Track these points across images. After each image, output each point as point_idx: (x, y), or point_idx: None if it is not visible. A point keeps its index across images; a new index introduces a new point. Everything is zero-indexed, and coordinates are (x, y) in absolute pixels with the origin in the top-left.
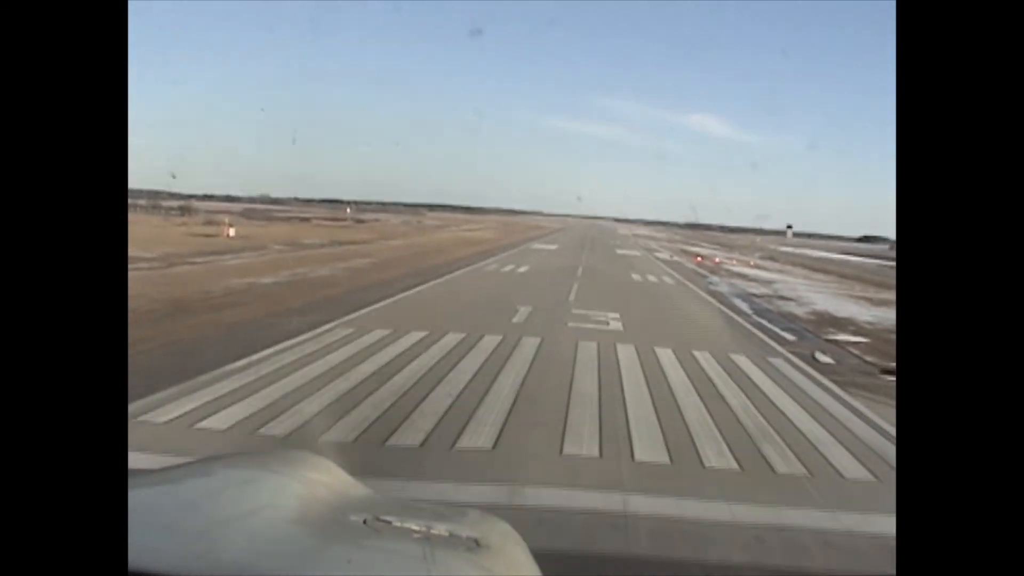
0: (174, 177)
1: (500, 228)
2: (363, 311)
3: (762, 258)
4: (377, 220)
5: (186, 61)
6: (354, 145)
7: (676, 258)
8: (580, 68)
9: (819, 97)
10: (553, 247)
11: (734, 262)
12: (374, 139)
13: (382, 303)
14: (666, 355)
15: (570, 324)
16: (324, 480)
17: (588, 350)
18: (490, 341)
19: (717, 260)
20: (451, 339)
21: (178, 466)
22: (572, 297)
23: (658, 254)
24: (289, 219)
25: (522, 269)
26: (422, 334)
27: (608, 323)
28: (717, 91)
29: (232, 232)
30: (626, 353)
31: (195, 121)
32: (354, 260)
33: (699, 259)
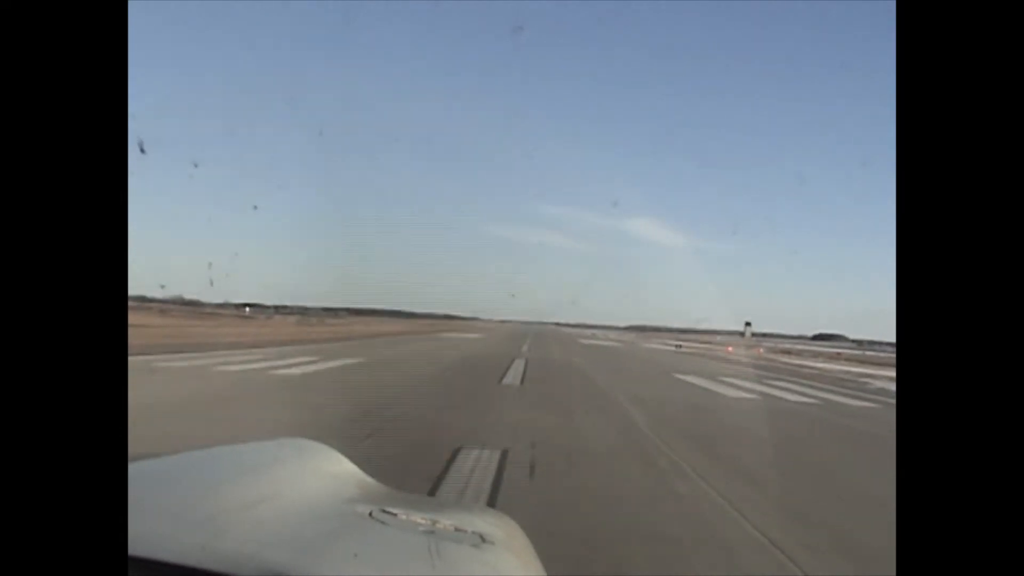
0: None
1: (422, 324)
2: None
3: (776, 351)
4: (270, 318)
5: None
6: (278, 254)
7: (688, 351)
8: (518, 175)
9: (765, 196)
10: (475, 335)
11: (786, 356)
12: (301, 247)
13: None
14: None
15: None
16: (330, 470)
17: None
18: None
19: (760, 350)
20: None
21: (183, 453)
22: None
23: (647, 344)
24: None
25: (311, 369)
26: None
27: None
28: (656, 196)
29: None
30: None
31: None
32: None
33: (729, 349)
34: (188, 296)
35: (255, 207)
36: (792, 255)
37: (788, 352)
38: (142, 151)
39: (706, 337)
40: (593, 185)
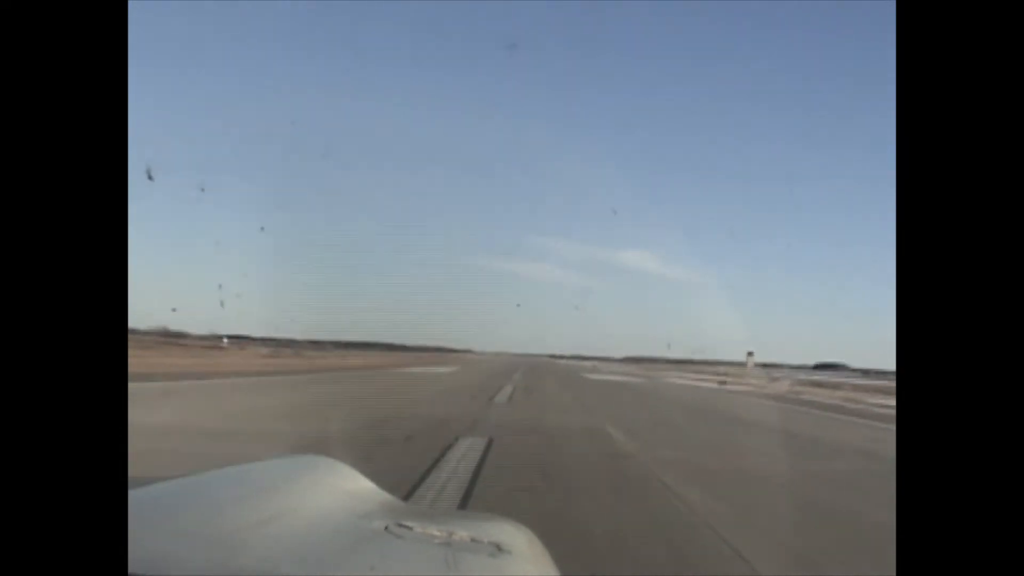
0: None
1: (403, 357)
2: None
3: (812, 385)
4: (242, 350)
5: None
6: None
7: (739, 387)
8: (513, 208)
9: (765, 225)
10: (447, 369)
11: (870, 395)
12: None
13: None
14: None
15: None
16: (344, 485)
17: None
18: None
19: (838, 391)
20: None
21: (196, 473)
22: None
23: (672, 379)
24: None
25: None
26: None
27: None
28: (648, 228)
29: None
30: None
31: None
32: None
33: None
34: (173, 328)
35: (262, 228)
36: (792, 283)
37: (814, 384)
38: (150, 178)
39: (709, 368)
40: (589, 215)
